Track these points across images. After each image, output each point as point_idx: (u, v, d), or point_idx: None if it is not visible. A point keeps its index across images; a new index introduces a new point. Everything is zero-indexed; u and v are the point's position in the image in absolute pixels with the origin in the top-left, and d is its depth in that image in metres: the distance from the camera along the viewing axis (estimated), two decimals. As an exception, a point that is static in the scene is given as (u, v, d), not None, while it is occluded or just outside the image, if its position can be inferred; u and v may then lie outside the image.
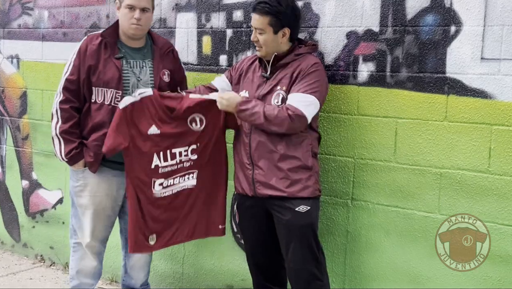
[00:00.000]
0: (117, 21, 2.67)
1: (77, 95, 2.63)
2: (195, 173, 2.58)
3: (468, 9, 2.32)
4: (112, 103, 2.59)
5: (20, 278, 3.57)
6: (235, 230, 3.00)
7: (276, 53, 2.44)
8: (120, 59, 2.61)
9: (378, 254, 2.60)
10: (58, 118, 2.63)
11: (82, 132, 2.66)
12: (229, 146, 2.65)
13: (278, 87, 2.42)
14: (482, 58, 2.30)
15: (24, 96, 3.80)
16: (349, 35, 2.58)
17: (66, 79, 2.63)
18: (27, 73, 3.76)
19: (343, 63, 2.60)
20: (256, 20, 2.42)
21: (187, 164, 2.56)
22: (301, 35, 2.68)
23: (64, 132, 2.62)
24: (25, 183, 3.85)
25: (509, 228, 2.31)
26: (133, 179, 2.50)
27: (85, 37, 2.71)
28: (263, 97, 2.44)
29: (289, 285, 2.57)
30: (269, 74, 2.47)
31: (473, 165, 2.36)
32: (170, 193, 2.57)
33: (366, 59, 2.55)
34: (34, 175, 3.80)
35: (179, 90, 2.64)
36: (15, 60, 3.81)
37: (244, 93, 2.51)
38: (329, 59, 2.64)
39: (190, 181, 2.58)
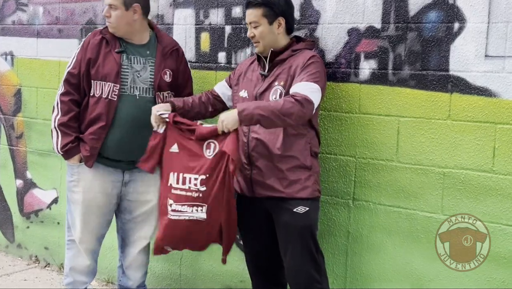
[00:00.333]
0: None
1: (77, 89, 2.67)
2: (204, 207, 2.42)
3: (472, 6, 2.32)
4: (110, 97, 2.61)
5: (14, 279, 3.57)
6: (234, 230, 3.00)
7: (272, 49, 2.44)
8: (121, 54, 2.63)
9: (380, 255, 2.60)
10: (58, 111, 2.67)
11: (81, 126, 2.68)
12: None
13: (276, 83, 2.43)
14: (486, 56, 2.30)
15: (18, 94, 3.80)
16: (350, 32, 2.59)
17: (68, 72, 2.68)
18: (22, 71, 3.75)
19: (344, 61, 2.61)
20: (250, 14, 2.45)
21: (195, 194, 2.42)
22: (302, 32, 2.69)
23: (62, 125, 2.66)
24: (19, 182, 3.85)
25: (513, 229, 2.32)
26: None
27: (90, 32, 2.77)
28: (261, 95, 2.45)
29: (288, 287, 2.57)
30: (267, 71, 2.47)
31: (477, 164, 2.36)
32: (178, 218, 2.46)
33: (367, 56, 2.55)
34: (29, 174, 3.80)
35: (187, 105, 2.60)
36: (9, 57, 3.81)
37: (243, 93, 2.52)
38: (330, 56, 2.64)
39: (199, 214, 2.44)
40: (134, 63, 2.65)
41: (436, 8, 2.39)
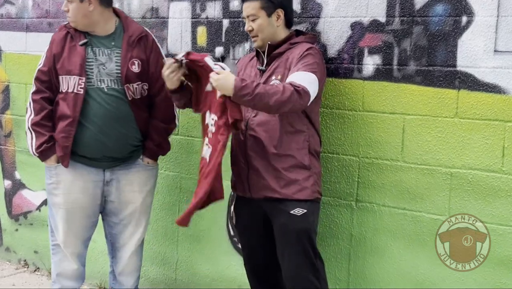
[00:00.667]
0: None
1: (49, 86, 2.68)
2: (210, 148, 2.44)
3: (481, -2, 2.32)
4: (75, 90, 2.61)
5: (2, 284, 3.56)
6: (232, 233, 3.00)
7: (269, 42, 2.44)
8: (85, 46, 2.63)
9: (384, 259, 2.59)
10: (31, 111, 2.68)
11: (54, 126, 2.68)
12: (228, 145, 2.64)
13: (273, 77, 2.43)
14: (495, 51, 2.30)
15: (6, 90, 3.78)
16: (353, 26, 2.58)
17: (38, 70, 2.70)
18: (10, 66, 3.74)
19: (347, 56, 2.60)
20: (247, 7, 2.45)
21: (209, 134, 2.45)
22: (303, 26, 2.68)
23: (35, 125, 2.66)
24: (7, 183, 3.83)
25: (523, 231, 2.32)
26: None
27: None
28: None
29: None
30: (264, 66, 2.47)
31: (485, 164, 2.35)
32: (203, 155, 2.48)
33: (371, 51, 2.55)
34: (17, 175, 3.79)
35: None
36: (-3, 52, 3.79)
37: None
38: (332, 51, 2.63)
39: (206, 152, 2.46)
40: (98, 55, 2.65)
41: (443, 1, 2.38)
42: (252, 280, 2.66)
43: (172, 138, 3.20)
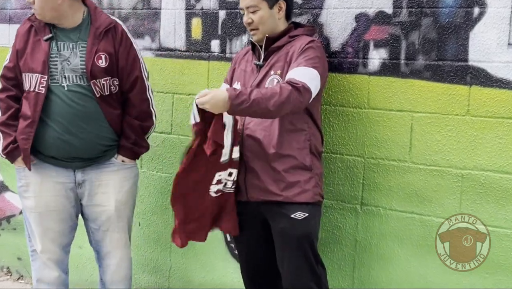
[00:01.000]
0: None
1: (16, 84, 2.66)
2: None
3: (494, -12, 2.31)
4: (37, 90, 2.58)
5: (-17, 293, 3.52)
6: (229, 238, 2.98)
7: (267, 35, 2.42)
8: (50, 41, 2.59)
9: (391, 266, 2.58)
10: None
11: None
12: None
13: (272, 72, 2.42)
14: (509, 44, 2.28)
15: (-12, 86, 3.75)
16: (358, 17, 2.57)
17: (4, 67, 2.69)
18: (-8, 61, 3.71)
19: (351, 50, 2.59)
20: None
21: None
22: (304, 18, 2.67)
23: (1, 125, 2.65)
24: (-11, 185, 3.81)
25: (539, 237, 2.31)
26: None
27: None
28: (256, 87, 2.42)
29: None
30: (262, 61, 2.46)
31: (499, 165, 2.34)
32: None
33: (377, 45, 2.54)
34: (0, 176, 3.76)
35: None
36: (-22, 46, 3.75)
37: (237, 85, 2.50)
38: (335, 45, 2.62)
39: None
40: (62, 50, 2.61)
41: (453, -9, 2.38)
42: (249, 288, 2.63)
43: (165, 137, 3.17)
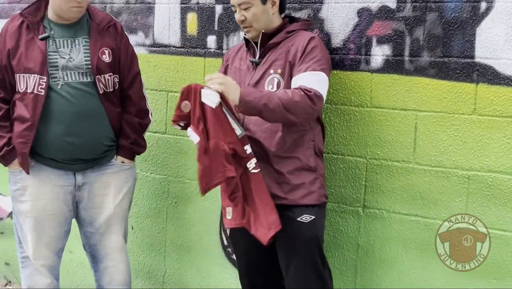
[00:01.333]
0: None
1: (3, 84, 2.64)
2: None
3: (502, -18, 2.32)
4: (35, 91, 2.57)
5: (-31, 299, 3.52)
6: (226, 243, 2.98)
7: (263, 31, 2.42)
8: (46, 40, 2.59)
9: (395, 271, 2.59)
10: None
11: (13, 125, 2.65)
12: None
13: (271, 71, 2.41)
14: (517, 40, 2.30)
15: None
16: (360, 12, 2.57)
17: None
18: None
19: (353, 46, 2.59)
20: None
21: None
22: (304, 13, 2.67)
23: None
24: (-24, 187, 3.80)
25: (549, 241, 2.31)
26: None
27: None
28: (255, 86, 2.42)
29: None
30: (258, 58, 2.45)
31: (506, 166, 2.35)
32: None
33: (380, 41, 2.54)
34: (-13, 178, 3.76)
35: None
36: (-36, 42, 3.75)
37: None
38: (337, 41, 2.62)
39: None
40: (62, 47, 2.61)
41: (460, -15, 2.38)
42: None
43: (159, 137, 3.17)
